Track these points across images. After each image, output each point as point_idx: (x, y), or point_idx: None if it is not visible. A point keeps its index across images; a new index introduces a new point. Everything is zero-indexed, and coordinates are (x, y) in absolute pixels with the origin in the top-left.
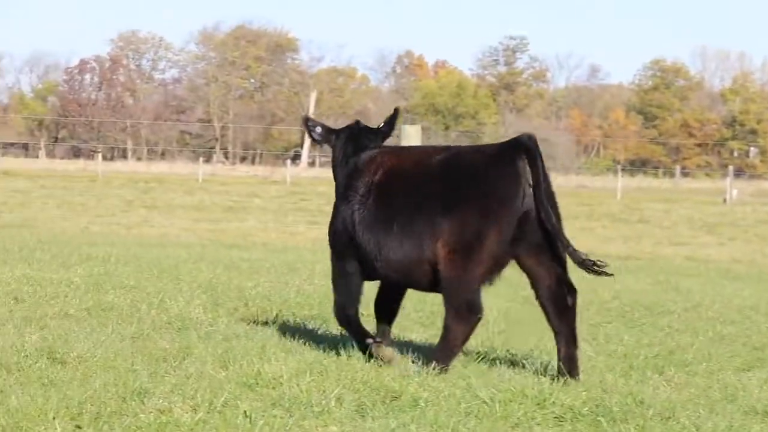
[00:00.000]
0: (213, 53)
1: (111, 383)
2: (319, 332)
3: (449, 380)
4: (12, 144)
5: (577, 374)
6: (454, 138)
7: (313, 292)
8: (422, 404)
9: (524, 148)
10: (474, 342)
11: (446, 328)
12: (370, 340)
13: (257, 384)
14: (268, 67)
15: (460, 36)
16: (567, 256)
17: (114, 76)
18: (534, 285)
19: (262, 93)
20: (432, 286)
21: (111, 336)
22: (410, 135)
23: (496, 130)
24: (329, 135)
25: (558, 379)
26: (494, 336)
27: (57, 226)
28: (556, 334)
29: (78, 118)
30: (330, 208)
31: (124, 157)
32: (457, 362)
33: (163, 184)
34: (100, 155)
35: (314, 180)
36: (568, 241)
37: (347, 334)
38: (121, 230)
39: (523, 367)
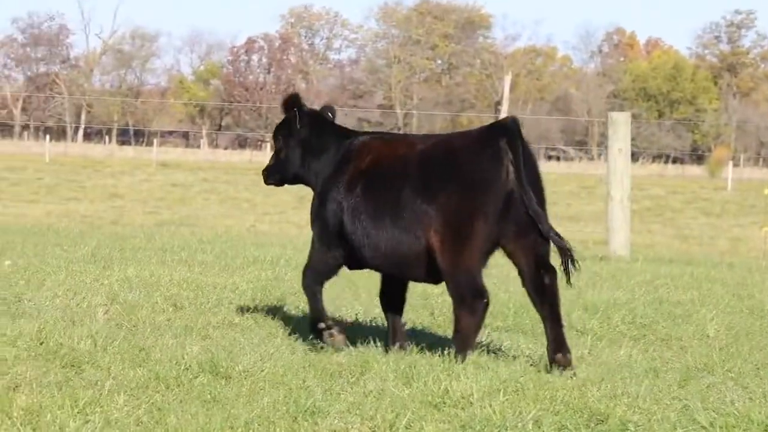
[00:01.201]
0: (395, 30)
1: (280, 401)
2: (513, 346)
3: (662, 402)
4: (171, 132)
5: (568, 355)
6: (668, 127)
7: (507, 301)
8: (632, 428)
9: (505, 130)
10: (691, 359)
11: (456, 319)
12: (322, 325)
13: (444, 403)
14: (456, 46)
15: (676, 10)
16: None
17: (284, 57)
18: (518, 270)
19: (450, 75)
20: (421, 275)
21: (280, 348)
22: (618, 123)
23: (717, 118)
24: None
25: (550, 367)
26: (714, 352)
27: (220, 225)
28: (542, 318)
29: (244, 103)
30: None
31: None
32: (672, 381)
33: None
34: (268, 145)
35: None
36: (550, 225)
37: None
38: (291, 229)
39: (746, 387)
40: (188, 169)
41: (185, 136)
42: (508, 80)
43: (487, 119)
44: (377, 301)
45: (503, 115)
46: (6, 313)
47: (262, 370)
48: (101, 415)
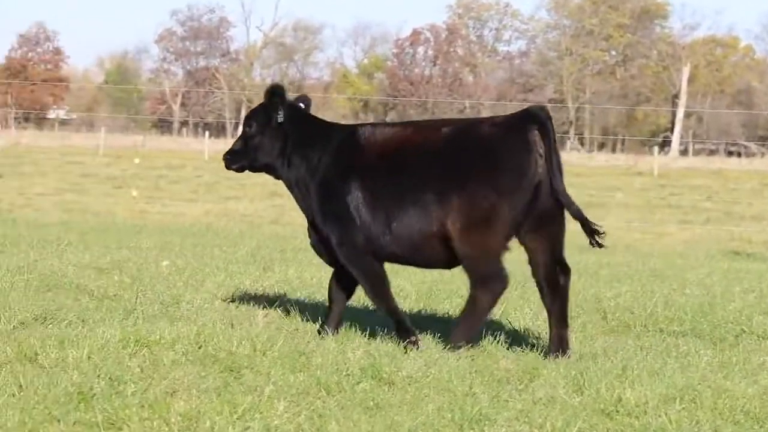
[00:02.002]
0: (567, 21)
1: (446, 408)
2: (690, 351)
3: None
4: None
5: (567, 353)
6: None
7: (684, 304)
8: None
9: (536, 119)
10: None
11: (472, 299)
12: (411, 336)
13: (617, 412)
14: (632, 36)
15: None
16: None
17: (451, 49)
18: (531, 261)
19: (625, 68)
20: (440, 263)
21: (445, 353)
22: None
23: None
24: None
25: (547, 357)
26: None
27: None
28: (549, 313)
29: (409, 97)
30: (701, 204)
31: None
32: None
33: None
34: None
35: (687, 171)
36: (580, 210)
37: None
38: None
39: None
40: None
41: None
42: (686, 72)
43: (665, 113)
44: (542, 306)
45: (681, 109)
46: (164, 316)
47: (427, 376)
48: (261, 422)
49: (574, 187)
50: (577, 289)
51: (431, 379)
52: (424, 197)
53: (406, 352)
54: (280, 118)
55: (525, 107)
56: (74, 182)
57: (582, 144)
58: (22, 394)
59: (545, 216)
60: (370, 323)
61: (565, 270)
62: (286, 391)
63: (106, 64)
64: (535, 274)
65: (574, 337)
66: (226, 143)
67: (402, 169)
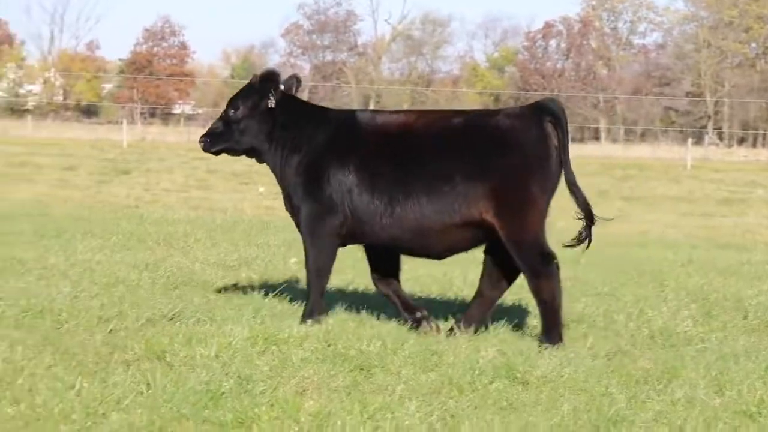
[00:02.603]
0: (704, 12)
1: (582, 408)
2: None
3: None
4: None
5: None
6: None
7: None
8: None
9: (549, 111)
10: None
11: (536, 293)
12: (315, 318)
13: (760, 414)
14: None
15: None
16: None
17: (584, 42)
18: (491, 246)
19: (766, 60)
20: (441, 251)
21: (581, 352)
22: None
23: None
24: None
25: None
26: None
27: None
28: (479, 295)
29: (541, 92)
30: None
31: (596, 138)
32: None
33: (644, 171)
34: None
35: None
36: (588, 204)
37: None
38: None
39: None
40: None
41: None
42: None
43: None
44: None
45: None
46: (292, 314)
47: (562, 376)
48: (392, 422)
49: (712, 183)
50: (717, 287)
51: (566, 378)
52: (440, 185)
53: (302, 323)
54: (272, 103)
55: (537, 100)
56: (200, 178)
57: (720, 139)
58: (150, 392)
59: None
60: (501, 321)
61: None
62: (418, 391)
63: (231, 59)
64: (490, 254)
65: (714, 336)
66: None
67: (411, 156)
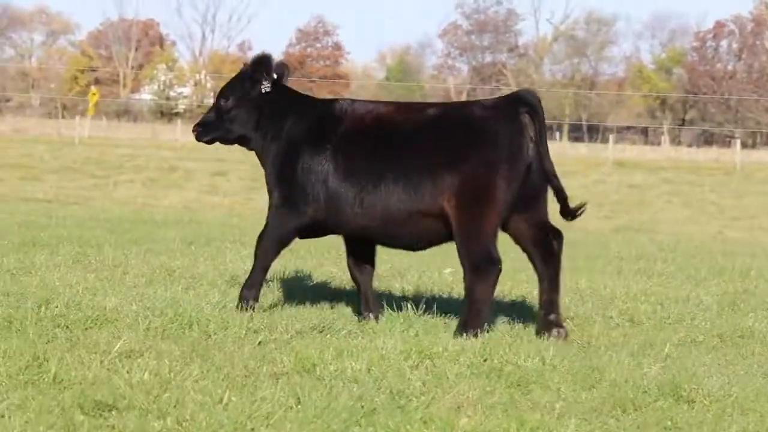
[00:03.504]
0: None
1: (750, 429)
2: None
3: None
4: (628, 128)
5: (557, 318)
6: None
7: None
8: None
9: (526, 102)
10: None
11: (469, 289)
12: (251, 300)
13: None
14: None
15: None
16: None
17: (757, 42)
18: (521, 236)
19: None
20: (406, 241)
21: (751, 370)
22: None
23: None
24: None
25: (540, 327)
26: None
27: (683, 231)
28: (541, 280)
29: (710, 95)
30: None
31: None
32: None
33: None
34: (738, 142)
35: None
36: (565, 195)
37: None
38: (764, 237)
39: None
40: (647, 169)
41: (644, 132)
42: None
43: None
44: None
45: None
46: (447, 327)
47: (729, 395)
48: None
49: None
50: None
51: (734, 398)
52: (412, 175)
53: (239, 308)
54: (266, 88)
55: (515, 91)
56: None
57: None
58: (299, 407)
59: (530, 196)
60: (664, 338)
61: (557, 234)
62: (578, 408)
63: (387, 60)
64: (528, 247)
65: None
66: None
67: (386, 146)
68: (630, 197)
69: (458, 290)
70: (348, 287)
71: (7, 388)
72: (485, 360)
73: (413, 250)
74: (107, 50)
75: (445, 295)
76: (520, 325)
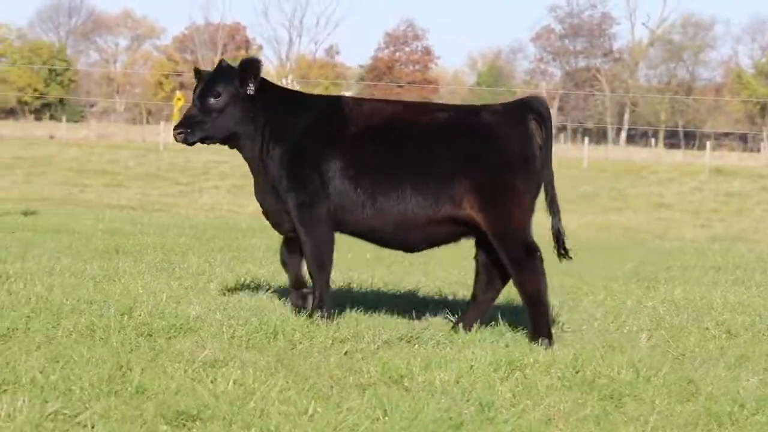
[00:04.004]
0: None
1: None
2: None
3: None
4: (726, 134)
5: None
6: None
7: None
8: None
9: (534, 109)
10: None
11: (521, 287)
12: (324, 311)
13: None
14: None
15: None
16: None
17: None
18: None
19: None
20: (420, 244)
21: None
22: None
23: None
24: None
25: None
26: None
27: None
28: (479, 298)
29: None
30: None
31: None
32: None
33: None
34: None
35: None
36: (558, 205)
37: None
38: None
39: None
40: (746, 177)
41: (743, 138)
42: None
43: None
44: None
45: None
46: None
47: None
48: None
49: None
50: None
51: None
52: (424, 178)
53: (311, 321)
54: (251, 90)
55: (523, 98)
56: None
57: None
58: (386, 418)
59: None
60: (763, 351)
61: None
62: (672, 422)
63: (478, 65)
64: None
65: None
66: (607, 150)
67: (395, 147)
68: (728, 205)
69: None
70: (436, 296)
71: (90, 397)
72: (577, 372)
73: (414, 252)
74: (193, 55)
75: None
76: (615, 334)
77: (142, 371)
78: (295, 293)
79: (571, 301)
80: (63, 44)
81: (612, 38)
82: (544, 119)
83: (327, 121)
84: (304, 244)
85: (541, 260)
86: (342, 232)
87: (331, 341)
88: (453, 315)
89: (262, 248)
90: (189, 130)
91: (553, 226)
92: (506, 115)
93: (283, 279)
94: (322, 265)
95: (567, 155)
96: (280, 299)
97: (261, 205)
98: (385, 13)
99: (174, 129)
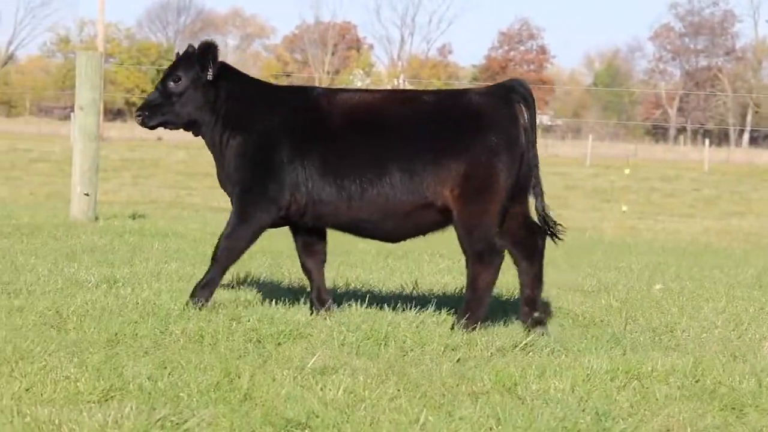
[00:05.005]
0: None
1: None
2: None
3: None
4: None
5: (543, 314)
6: None
7: None
8: None
9: (518, 92)
10: None
11: (473, 278)
12: (204, 301)
13: None
14: None
15: None
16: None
17: None
18: (507, 230)
19: None
20: (403, 234)
21: None
22: None
23: None
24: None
25: (524, 323)
26: None
27: None
28: (525, 275)
29: None
30: None
31: None
32: None
33: None
34: None
35: None
36: (542, 192)
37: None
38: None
39: None
40: None
41: None
42: None
43: None
44: None
45: None
46: (656, 345)
47: None
48: None
49: None
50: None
51: None
52: (409, 165)
53: (185, 308)
54: (210, 76)
55: (504, 81)
56: (557, 195)
57: None
58: (499, 427)
59: (520, 185)
60: None
61: (540, 230)
62: None
63: (595, 64)
64: (511, 242)
65: None
66: (729, 152)
67: (373, 136)
68: None
69: (666, 306)
70: (552, 302)
71: (198, 404)
72: (697, 381)
73: (396, 242)
74: (303, 54)
75: (654, 312)
76: (737, 342)
77: (251, 378)
78: (317, 303)
79: (691, 308)
80: (171, 44)
81: (734, 36)
82: (528, 102)
83: (297, 113)
84: (227, 227)
85: (501, 261)
86: (323, 226)
87: (443, 348)
88: (572, 322)
89: (372, 253)
90: (147, 113)
91: (537, 208)
92: (493, 98)
93: (394, 283)
94: (230, 257)
95: (687, 157)
96: (390, 305)
97: (224, 189)
98: (500, 12)
99: (134, 111)
